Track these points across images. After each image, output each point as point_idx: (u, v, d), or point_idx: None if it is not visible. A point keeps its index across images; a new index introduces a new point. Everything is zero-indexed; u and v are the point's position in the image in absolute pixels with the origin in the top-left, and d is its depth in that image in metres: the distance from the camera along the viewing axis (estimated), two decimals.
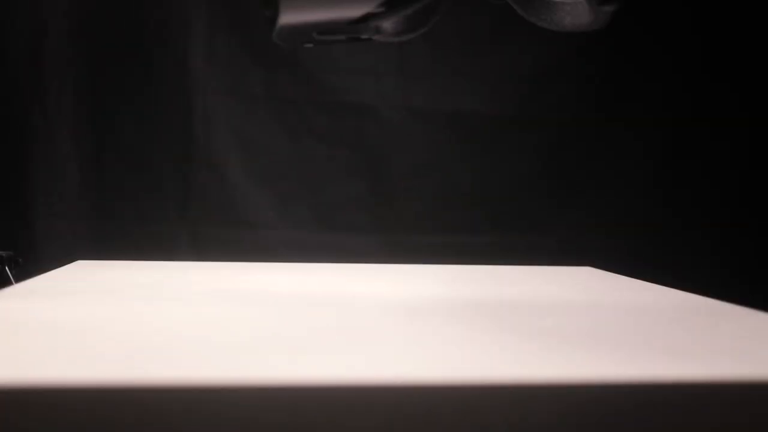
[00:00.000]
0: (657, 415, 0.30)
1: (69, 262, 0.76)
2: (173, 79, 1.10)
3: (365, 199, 1.16)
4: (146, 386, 0.28)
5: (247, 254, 1.02)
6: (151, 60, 1.09)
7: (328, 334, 0.40)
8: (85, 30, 1.07)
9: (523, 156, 1.17)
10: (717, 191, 1.16)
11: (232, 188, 1.12)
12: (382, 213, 1.16)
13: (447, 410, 0.29)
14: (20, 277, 0.75)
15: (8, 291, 0.54)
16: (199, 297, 0.53)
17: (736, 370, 0.33)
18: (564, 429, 0.30)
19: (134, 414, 0.28)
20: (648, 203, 1.17)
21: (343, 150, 1.15)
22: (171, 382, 0.29)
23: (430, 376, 0.30)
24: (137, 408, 0.28)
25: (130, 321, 0.43)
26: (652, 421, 0.30)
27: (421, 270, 0.77)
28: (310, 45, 0.48)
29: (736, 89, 1.16)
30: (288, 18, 0.44)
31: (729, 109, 1.16)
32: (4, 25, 1.05)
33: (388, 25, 0.49)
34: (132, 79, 1.09)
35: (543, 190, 1.18)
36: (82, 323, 0.41)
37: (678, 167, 1.18)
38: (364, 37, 0.49)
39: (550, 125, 1.17)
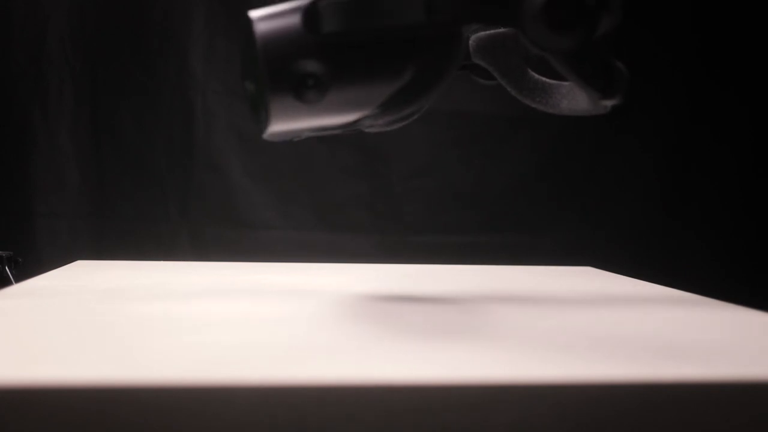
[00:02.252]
0: (657, 415, 0.30)
1: (69, 262, 0.75)
2: (173, 79, 1.10)
3: (365, 199, 1.16)
4: (146, 386, 0.28)
5: (247, 254, 1.02)
6: (151, 60, 1.09)
7: (327, 334, 0.40)
8: (86, 30, 1.08)
9: (522, 156, 1.17)
10: (717, 192, 1.16)
11: (232, 188, 1.12)
12: (382, 213, 1.16)
13: (447, 410, 0.29)
14: (20, 277, 0.75)
15: (8, 291, 0.54)
16: (199, 297, 0.53)
17: (736, 371, 0.33)
18: (564, 429, 0.30)
19: (134, 414, 0.28)
20: (647, 204, 1.17)
21: (343, 150, 1.15)
22: (171, 382, 0.29)
23: (429, 375, 0.30)
24: (137, 408, 0.28)
25: (130, 321, 0.43)
26: (652, 422, 0.30)
27: (420, 270, 0.77)
28: (300, 138, 0.48)
29: (737, 91, 1.16)
30: (280, 127, 0.44)
31: (729, 111, 1.16)
32: (5, 24, 1.05)
33: (381, 120, 0.49)
34: (132, 79, 1.09)
35: (543, 191, 1.18)
36: (82, 323, 0.41)
37: (678, 168, 1.18)
38: (354, 129, 0.49)
39: (550, 126, 1.17)
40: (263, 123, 0.44)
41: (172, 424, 0.28)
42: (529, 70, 0.55)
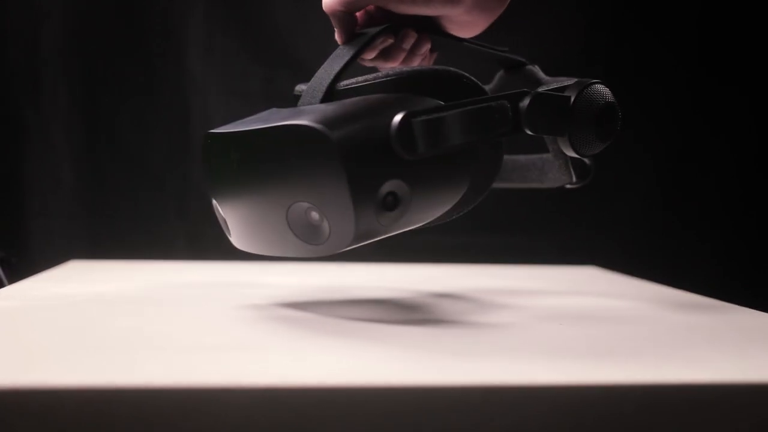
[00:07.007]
0: (657, 414, 0.30)
1: (64, 262, 0.75)
2: (172, 79, 1.10)
3: None
4: (144, 386, 0.28)
5: (246, 254, 1.01)
6: (150, 59, 1.09)
7: (327, 334, 0.39)
8: (83, 29, 1.07)
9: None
10: (718, 192, 1.16)
11: None
12: None
13: (446, 411, 0.29)
14: (14, 277, 0.75)
15: (1, 292, 0.54)
16: (197, 297, 0.53)
17: (736, 371, 0.33)
18: (564, 429, 0.30)
19: (132, 414, 0.28)
20: (649, 204, 1.17)
21: None
22: (169, 382, 0.28)
23: (429, 376, 0.30)
24: (135, 408, 0.28)
25: (125, 322, 0.42)
26: (652, 421, 0.30)
27: (422, 270, 0.76)
28: None
29: (738, 91, 1.16)
30: (353, 246, 0.42)
31: (730, 112, 1.16)
32: (1, 23, 1.04)
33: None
34: (130, 78, 1.09)
35: (543, 191, 1.17)
36: (76, 324, 0.41)
37: (678, 168, 1.17)
38: None
39: None
40: (330, 243, 0.40)
41: (170, 424, 0.28)
42: None
